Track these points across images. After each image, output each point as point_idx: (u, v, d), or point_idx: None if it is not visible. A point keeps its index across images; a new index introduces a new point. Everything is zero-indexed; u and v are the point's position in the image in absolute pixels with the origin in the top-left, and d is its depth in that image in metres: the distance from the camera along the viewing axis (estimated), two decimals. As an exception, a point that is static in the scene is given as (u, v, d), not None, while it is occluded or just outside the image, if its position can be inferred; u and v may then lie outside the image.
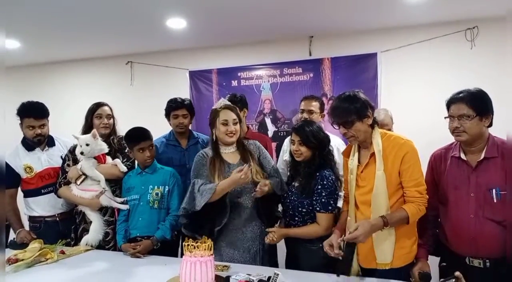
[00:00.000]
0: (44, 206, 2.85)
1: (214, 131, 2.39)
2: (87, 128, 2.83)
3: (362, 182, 2.10)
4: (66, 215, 2.89)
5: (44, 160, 2.88)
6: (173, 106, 3.00)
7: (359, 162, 2.13)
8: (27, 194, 2.88)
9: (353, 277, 2.03)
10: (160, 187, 2.58)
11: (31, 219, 2.92)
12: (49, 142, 2.95)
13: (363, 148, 2.13)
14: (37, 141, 2.84)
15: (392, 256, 2.01)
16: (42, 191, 2.85)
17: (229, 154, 2.40)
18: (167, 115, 3.05)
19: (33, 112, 2.77)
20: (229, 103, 2.45)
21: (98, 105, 2.88)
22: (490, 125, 2.00)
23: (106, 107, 2.88)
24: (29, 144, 2.87)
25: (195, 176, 2.33)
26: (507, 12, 1.79)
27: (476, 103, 1.95)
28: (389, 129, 3.16)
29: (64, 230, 2.84)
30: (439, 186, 2.15)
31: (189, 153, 3.01)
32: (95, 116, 2.84)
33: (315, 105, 3.14)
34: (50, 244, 2.52)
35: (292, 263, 2.36)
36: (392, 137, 2.05)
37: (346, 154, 2.25)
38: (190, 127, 3.18)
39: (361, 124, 2.01)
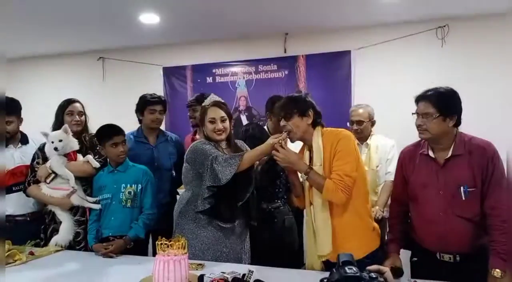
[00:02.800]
0: (15, 204, 2.75)
1: (203, 129, 2.36)
2: (58, 125, 2.74)
3: None
4: (37, 215, 2.80)
5: (16, 157, 2.81)
6: (151, 101, 2.95)
7: (310, 161, 2.16)
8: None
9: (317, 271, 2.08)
10: (133, 185, 2.53)
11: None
12: (23, 139, 2.90)
13: (309, 147, 2.18)
14: (6, 137, 2.74)
15: (330, 247, 2.03)
16: (13, 188, 2.76)
17: (224, 149, 2.36)
18: (141, 110, 2.98)
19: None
20: (218, 99, 2.37)
21: (69, 102, 2.80)
22: (458, 124, 2.02)
23: (77, 104, 2.81)
24: (6, 139, 2.77)
25: (208, 153, 2.19)
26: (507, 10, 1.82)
27: (440, 103, 1.96)
28: (372, 124, 3.21)
29: (35, 230, 2.73)
30: (408, 183, 2.17)
31: (158, 150, 2.97)
32: (66, 113, 2.76)
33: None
34: (19, 245, 2.44)
35: None
36: (330, 131, 2.11)
37: (300, 153, 2.28)
38: (163, 125, 3.13)
39: (300, 120, 2.09)
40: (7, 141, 2.78)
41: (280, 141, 2.08)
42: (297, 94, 2.23)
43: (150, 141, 3.02)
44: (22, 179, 2.74)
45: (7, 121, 2.74)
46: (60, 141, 2.51)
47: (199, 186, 2.23)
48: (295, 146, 2.29)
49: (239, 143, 2.48)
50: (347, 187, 1.95)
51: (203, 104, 2.40)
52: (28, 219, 2.79)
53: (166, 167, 3.00)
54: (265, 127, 3.00)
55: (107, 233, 2.46)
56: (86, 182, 2.64)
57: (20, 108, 2.86)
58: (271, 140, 2.11)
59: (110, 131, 2.54)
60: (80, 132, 2.77)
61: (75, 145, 2.62)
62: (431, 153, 2.07)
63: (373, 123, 3.24)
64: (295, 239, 2.74)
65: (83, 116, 2.81)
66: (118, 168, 2.56)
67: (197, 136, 3.11)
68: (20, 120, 2.87)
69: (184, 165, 2.37)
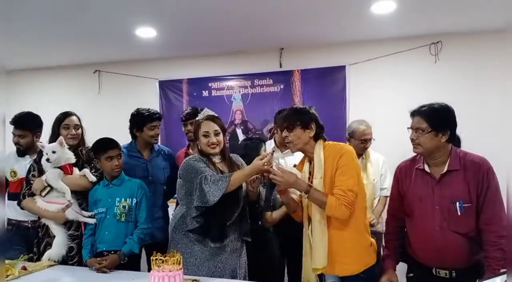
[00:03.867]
0: (20, 212, 2.81)
1: (197, 143, 2.36)
2: (54, 139, 2.73)
3: None
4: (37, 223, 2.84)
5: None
6: (152, 118, 2.95)
7: (310, 173, 2.17)
8: (10, 197, 2.95)
9: None
10: (128, 199, 2.51)
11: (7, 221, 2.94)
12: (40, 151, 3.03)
13: (309, 159, 2.19)
14: (17, 148, 3.04)
15: (325, 261, 2.03)
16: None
17: (218, 164, 2.36)
18: (140, 126, 2.95)
19: (15, 121, 3.01)
20: (212, 113, 2.38)
21: (66, 115, 2.78)
22: (452, 139, 2.05)
23: (74, 117, 2.79)
24: (20, 150, 3.06)
25: (199, 172, 2.20)
26: (506, 25, 1.86)
27: (433, 119, 1.99)
28: (370, 140, 3.23)
29: (33, 238, 2.74)
30: (405, 198, 2.18)
31: (151, 164, 2.96)
32: (62, 127, 2.74)
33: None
34: (11, 259, 2.41)
35: None
36: (333, 145, 2.12)
37: (299, 166, 2.30)
38: (159, 138, 3.12)
39: (302, 132, 2.11)
40: (24, 152, 3.05)
41: (266, 163, 2.07)
42: (301, 106, 2.25)
43: (144, 155, 3.01)
44: None
45: (21, 135, 3.00)
46: (54, 152, 2.49)
47: (190, 202, 2.23)
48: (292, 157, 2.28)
49: (234, 156, 2.48)
50: (350, 202, 1.96)
51: (196, 118, 2.41)
52: (29, 225, 2.90)
53: (160, 181, 3.00)
54: (271, 141, 3.15)
55: (101, 247, 2.44)
56: (81, 195, 2.61)
57: (38, 124, 3.08)
58: (257, 161, 2.11)
59: (105, 144, 2.53)
60: (77, 145, 2.75)
61: (71, 157, 2.59)
62: (426, 168, 2.09)
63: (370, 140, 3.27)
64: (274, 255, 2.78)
65: (80, 130, 2.79)
66: (113, 182, 2.54)
67: (190, 150, 3.11)
68: (36, 135, 3.05)
69: (178, 180, 2.36)
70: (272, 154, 2.13)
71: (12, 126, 3.02)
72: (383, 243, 2.35)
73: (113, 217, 2.46)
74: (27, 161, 2.99)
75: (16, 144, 3.03)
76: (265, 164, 2.07)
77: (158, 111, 3.06)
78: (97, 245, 2.46)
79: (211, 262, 2.24)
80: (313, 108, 2.22)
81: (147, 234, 2.49)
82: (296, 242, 2.37)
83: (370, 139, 3.21)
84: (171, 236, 2.35)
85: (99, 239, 2.46)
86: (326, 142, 2.16)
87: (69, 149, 2.62)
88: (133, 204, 2.51)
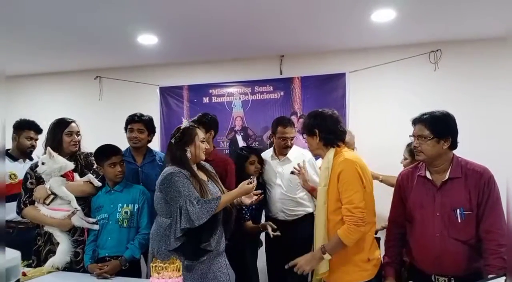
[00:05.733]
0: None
1: (190, 150, 2.35)
2: (55, 144, 2.71)
3: None
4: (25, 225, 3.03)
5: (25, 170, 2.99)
6: (129, 120, 2.95)
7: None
8: (9, 199, 2.83)
9: None
10: (130, 205, 2.52)
11: (6, 223, 2.88)
12: (29, 156, 3.34)
13: None
14: (29, 151, 3.29)
15: (326, 267, 2.07)
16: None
17: (197, 171, 2.39)
18: (125, 129, 2.99)
19: (33, 126, 3.32)
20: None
21: (68, 122, 2.77)
22: (454, 146, 2.06)
23: (74, 125, 2.78)
24: (12, 156, 3.28)
25: (184, 193, 2.18)
26: (506, 32, 1.89)
27: (434, 126, 2.03)
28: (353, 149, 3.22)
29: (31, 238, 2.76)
30: (406, 205, 2.19)
31: (143, 170, 2.93)
32: (65, 134, 2.71)
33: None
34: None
35: None
36: (338, 156, 2.14)
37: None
38: (158, 144, 3.12)
39: (310, 138, 2.23)
40: (20, 155, 3.30)
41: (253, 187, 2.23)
42: (314, 111, 2.29)
43: (137, 160, 2.98)
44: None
45: (37, 139, 3.33)
46: (43, 163, 2.47)
47: (174, 221, 2.19)
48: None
49: (204, 164, 2.52)
50: (358, 219, 1.98)
51: (185, 125, 2.43)
52: (29, 226, 2.92)
53: (152, 188, 2.96)
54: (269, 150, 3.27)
55: (103, 253, 2.44)
56: (82, 201, 2.60)
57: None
58: (245, 185, 2.24)
59: (108, 151, 2.55)
60: (75, 151, 2.76)
61: (67, 164, 2.57)
62: (428, 175, 2.11)
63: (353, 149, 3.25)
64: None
65: (79, 136, 2.79)
66: (115, 188, 2.55)
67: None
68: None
69: (157, 192, 2.32)
70: (253, 179, 2.29)
71: (13, 130, 3.28)
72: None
73: (115, 223, 2.47)
74: (21, 164, 3.23)
75: (31, 146, 3.29)
76: (252, 187, 2.25)
77: (149, 115, 3.02)
78: (99, 251, 2.46)
79: (189, 273, 2.21)
80: (329, 112, 2.23)
81: (148, 239, 2.47)
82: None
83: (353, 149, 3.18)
84: (153, 245, 2.30)
85: (101, 245, 2.47)
86: (339, 149, 2.17)
87: (67, 155, 2.62)
88: (135, 210, 2.52)
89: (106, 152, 2.55)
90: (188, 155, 2.34)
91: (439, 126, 2.03)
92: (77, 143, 2.75)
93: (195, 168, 2.39)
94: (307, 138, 2.25)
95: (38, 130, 3.34)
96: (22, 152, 3.30)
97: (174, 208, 2.19)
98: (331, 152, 2.14)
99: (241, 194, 2.27)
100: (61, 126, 2.74)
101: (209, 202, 2.16)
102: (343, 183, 2.02)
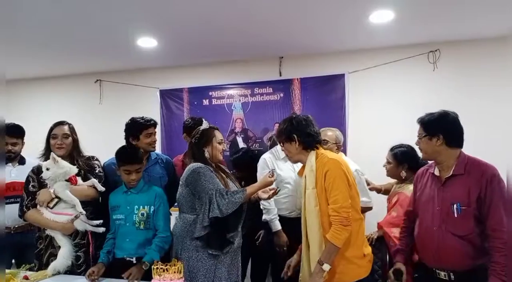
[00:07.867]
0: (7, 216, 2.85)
1: (207, 150, 2.45)
2: (45, 148, 2.69)
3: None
4: (22, 229, 3.00)
5: (13, 174, 3.08)
6: (147, 125, 2.87)
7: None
8: None
9: None
10: (146, 206, 2.51)
11: None
12: (20, 160, 3.23)
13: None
14: (8, 156, 3.09)
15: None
16: (6, 201, 2.89)
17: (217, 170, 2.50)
18: (136, 134, 2.86)
19: (7, 129, 3.04)
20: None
21: (56, 124, 2.72)
22: (454, 145, 2.10)
23: (64, 127, 2.71)
24: (9, 158, 3.15)
25: (213, 184, 2.30)
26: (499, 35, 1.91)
27: (426, 125, 2.15)
28: (338, 148, 3.20)
29: (19, 244, 2.84)
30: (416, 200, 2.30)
31: (148, 173, 2.86)
32: (51, 137, 2.68)
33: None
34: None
35: None
36: (321, 156, 2.16)
37: (300, 173, 2.39)
38: (159, 147, 3.12)
39: (289, 145, 2.23)
40: (7, 160, 3.10)
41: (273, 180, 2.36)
42: (288, 117, 2.30)
43: None
44: (13, 193, 2.99)
45: (15, 143, 3.15)
46: (48, 169, 2.47)
47: (201, 209, 2.29)
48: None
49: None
50: (344, 218, 2.01)
51: (204, 127, 2.53)
52: (12, 232, 2.96)
53: None
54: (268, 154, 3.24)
55: (121, 254, 2.46)
56: (86, 204, 2.59)
57: (24, 133, 3.24)
58: (267, 178, 2.36)
59: (125, 158, 2.52)
60: (70, 155, 2.70)
61: (71, 169, 2.55)
62: (436, 172, 2.18)
63: (338, 147, 3.22)
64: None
65: (69, 139, 2.70)
66: (131, 190, 2.55)
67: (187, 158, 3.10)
68: (23, 143, 3.24)
69: (182, 188, 2.40)
70: (272, 171, 2.41)
71: None
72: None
73: (132, 225, 2.47)
74: (8, 168, 3.12)
75: (7, 151, 3.11)
76: (273, 180, 2.36)
77: (153, 118, 3.01)
78: (115, 251, 2.47)
79: (212, 267, 2.30)
80: (303, 116, 2.26)
81: (166, 242, 2.47)
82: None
83: (325, 142, 3.09)
84: (178, 243, 2.38)
85: (118, 246, 2.48)
86: (319, 151, 2.20)
87: (66, 159, 2.60)
88: (151, 212, 2.51)
89: (123, 158, 2.53)
90: (206, 154, 2.44)
91: (430, 125, 2.13)
92: (62, 145, 2.66)
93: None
94: (285, 146, 2.24)
95: (12, 133, 3.12)
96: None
97: (203, 199, 2.28)
98: (312, 155, 2.17)
99: (263, 186, 2.37)
100: (50, 129, 2.71)
101: (236, 193, 2.28)
102: (329, 182, 2.05)
